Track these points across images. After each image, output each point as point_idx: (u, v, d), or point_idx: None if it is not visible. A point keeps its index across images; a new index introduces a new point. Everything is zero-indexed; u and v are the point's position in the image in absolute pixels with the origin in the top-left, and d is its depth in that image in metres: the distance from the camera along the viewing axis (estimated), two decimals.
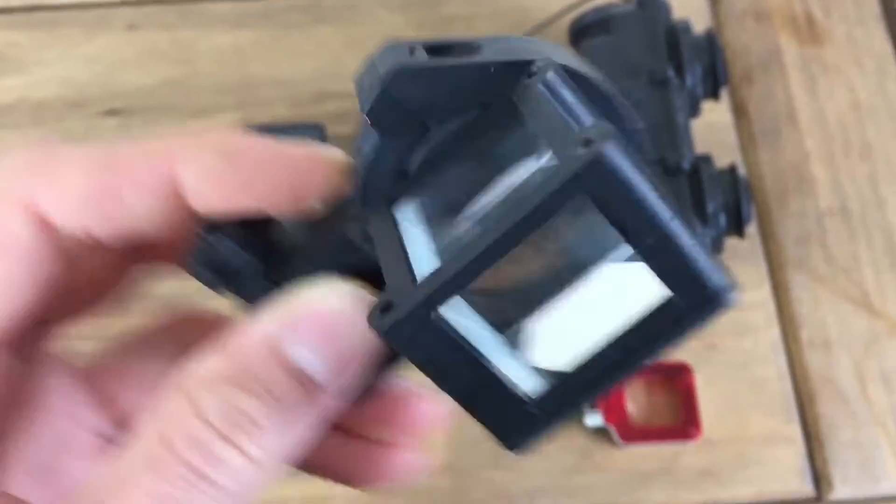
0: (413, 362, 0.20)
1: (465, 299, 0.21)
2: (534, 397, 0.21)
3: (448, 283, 0.20)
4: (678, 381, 0.51)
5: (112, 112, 0.59)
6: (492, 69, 0.22)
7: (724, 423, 0.51)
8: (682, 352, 0.53)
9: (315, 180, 0.22)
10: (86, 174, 0.21)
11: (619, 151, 0.18)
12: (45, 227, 0.20)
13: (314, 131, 0.54)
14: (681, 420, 0.51)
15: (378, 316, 0.20)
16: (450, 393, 0.21)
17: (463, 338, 0.20)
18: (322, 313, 0.20)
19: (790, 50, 0.61)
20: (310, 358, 0.20)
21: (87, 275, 0.22)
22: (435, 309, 0.20)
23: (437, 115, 0.23)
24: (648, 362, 0.20)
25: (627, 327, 0.20)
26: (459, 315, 0.21)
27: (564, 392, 0.21)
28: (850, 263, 0.55)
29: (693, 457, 0.51)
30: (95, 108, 0.59)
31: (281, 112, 0.59)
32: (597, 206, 0.19)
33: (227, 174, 0.21)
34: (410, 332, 0.20)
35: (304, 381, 0.20)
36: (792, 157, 0.58)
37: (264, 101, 0.59)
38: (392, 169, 0.23)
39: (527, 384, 0.21)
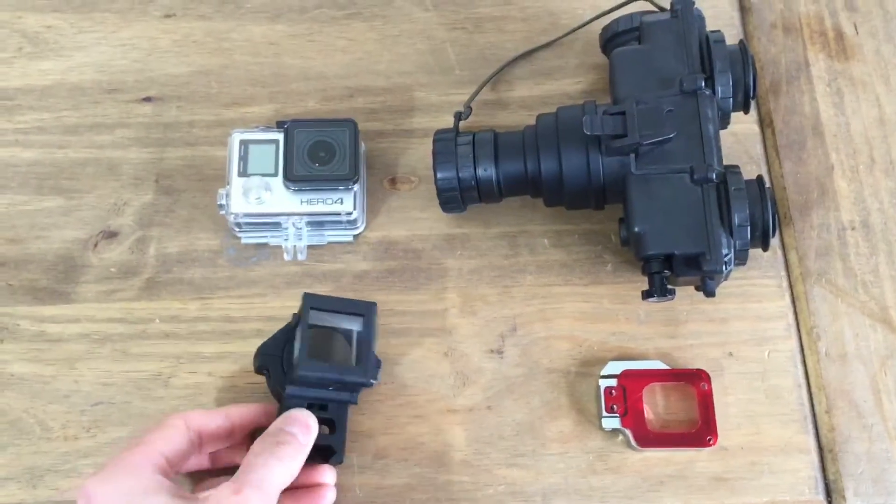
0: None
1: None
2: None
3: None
4: (695, 388, 0.52)
5: (147, 99, 0.60)
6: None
7: (738, 431, 0.52)
8: (700, 360, 0.53)
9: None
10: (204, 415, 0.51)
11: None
12: (190, 427, 0.49)
13: (346, 125, 0.55)
14: (697, 427, 0.51)
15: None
16: None
17: None
18: (295, 416, 0.49)
19: (818, 63, 0.61)
20: (292, 430, 0.48)
21: (197, 443, 0.51)
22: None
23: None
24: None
25: None
26: None
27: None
28: (870, 278, 0.55)
29: (707, 463, 0.51)
30: (131, 95, 0.60)
31: (312, 106, 0.60)
32: None
33: (214, 422, 0.51)
34: None
35: (290, 436, 0.48)
36: (816, 170, 0.58)
37: (296, 93, 0.60)
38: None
39: None
